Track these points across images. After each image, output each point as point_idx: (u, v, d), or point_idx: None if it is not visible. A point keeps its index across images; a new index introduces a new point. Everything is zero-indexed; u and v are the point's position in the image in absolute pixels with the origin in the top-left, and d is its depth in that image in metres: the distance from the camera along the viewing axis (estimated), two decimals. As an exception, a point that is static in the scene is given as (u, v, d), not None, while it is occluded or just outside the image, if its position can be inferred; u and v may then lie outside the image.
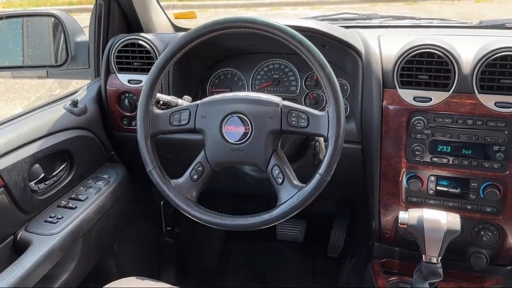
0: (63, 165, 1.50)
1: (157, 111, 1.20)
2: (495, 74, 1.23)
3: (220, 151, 1.16)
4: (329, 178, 1.10)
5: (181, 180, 1.19)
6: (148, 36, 1.60)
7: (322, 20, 1.76)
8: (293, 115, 1.13)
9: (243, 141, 1.14)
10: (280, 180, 1.14)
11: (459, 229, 1.19)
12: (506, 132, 1.26)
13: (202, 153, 1.18)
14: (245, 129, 1.14)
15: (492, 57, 1.23)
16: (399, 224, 1.25)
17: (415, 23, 1.75)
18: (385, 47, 1.39)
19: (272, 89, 1.62)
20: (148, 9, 1.75)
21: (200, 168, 1.18)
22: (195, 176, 1.18)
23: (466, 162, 1.31)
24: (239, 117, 1.15)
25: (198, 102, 1.20)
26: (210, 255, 2.25)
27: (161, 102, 1.31)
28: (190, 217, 1.18)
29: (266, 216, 1.13)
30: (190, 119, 1.18)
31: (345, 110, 1.51)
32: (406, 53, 1.30)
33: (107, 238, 1.61)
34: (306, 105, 1.57)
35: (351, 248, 2.03)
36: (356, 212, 2.09)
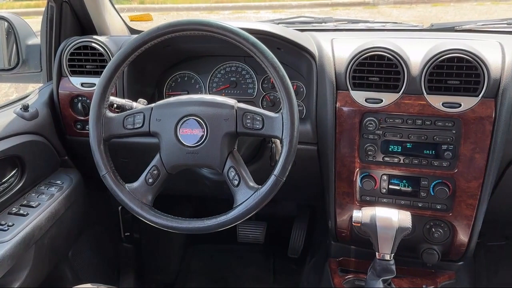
0: (14, 171, 1.46)
1: (110, 114, 1.19)
2: (443, 75, 1.27)
3: (176, 154, 1.16)
4: (284, 179, 1.12)
5: (135, 184, 1.18)
6: (101, 38, 1.58)
7: (278, 23, 1.77)
8: (248, 117, 1.14)
9: (199, 143, 1.15)
10: (236, 182, 1.14)
11: (410, 226, 1.22)
12: (454, 132, 1.30)
13: (157, 156, 1.18)
14: (200, 131, 1.14)
15: (439, 59, 1.27)
16: (353, 223, 1.27)
17: (368, 26, 1.79)
18: (338, 50, 1.41)
19: (229, 91, 1.63)
20: (101, 12, 1.72)
21: (155, 172, 1.17)
22: (150, 180, 1.18)
23: (416, 161, 1.35)
24: (194, 120, 1.15)
25: (153, 105, 1.19)
26: (170, 259, 2.23)
27: (115, 105, 1.30)
28: (146, 221, 1.17)
29: (222, 218, 1.13)
30: (145, 122, 1.17)
31: (301, 112, 1.54)
32: (358, 56, 1.32)
33: (61, 245, 1.57)
34: (263, 107, 1.58)
35: (311, 248, 2.06)
36: (316, 213, 2.12)
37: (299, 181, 1.58)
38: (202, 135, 1.14)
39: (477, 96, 1.26)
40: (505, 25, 1.65)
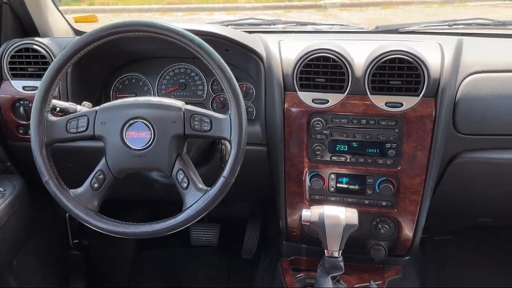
0: None
1: (53, 118, 1.16)
2: (385, 76, 1.31)
3: (122, 158, 1.14)
4: (233, 180, 1.12)
5: (80, 189, 1.16)
6: (44, 40, 1.53)
7: (228, 25, 1.78)
8: (196, 119, 1.13)
9: (146, 146, 1.13)
10: (185, 185, 1.14)
11: (357, 223, 1.25)
12: (397, 130, 1.34)
13: (103, 160, 1.16)
14: (148, 134, 1.13)
15: (381, 60, 1.30)
16: (302, 222, 1.29)
17: (316, 28, 1.82)
18: (285, 52, 1.43)
19: (178, 93, 1.61)
20: (43, 13, 1.67)
21: (101, 176, 1.15)
22: (95, 185, 1.15)
23: (362, 160, 1.39)
24: (141, 123, 1.13)
25: (97, 107, 1.17)
26: (122, 265, 2.19)
27: (58, 108, 1.26)
28: (92, 227, 1.14)
29: (171, 221, 1.13)
30: (89, 125, 1.15)
31: (251, 113, 1.55)
32: (304, 57, 1.35)
33: (5, 253, 1.51)
34: (213, 109, 1.58)
35: (265, 248, 2.07)
36: (269, 213, 2.14)
37: (250, 182, 1.58)
38: (150, 138, 1.13)
39: (418, 95, 1.30)
40: (446, 27, 1.72)
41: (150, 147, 1.13)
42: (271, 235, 2.04)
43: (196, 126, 1.13)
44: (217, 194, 1.11)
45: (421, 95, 1.30)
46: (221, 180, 1.11)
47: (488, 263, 2.07)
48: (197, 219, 1.13)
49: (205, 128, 1.13)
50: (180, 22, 1.46)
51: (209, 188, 1.13)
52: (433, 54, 1.35)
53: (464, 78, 1.35)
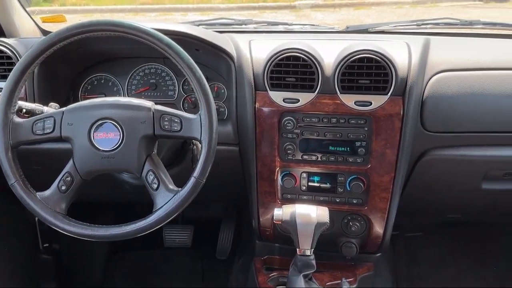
0: None
1: (18, 120, 1.14)
2: (354, 75, 1.32)
3: (90, 159, 1.13)
4: (204, 180, 1.12)
5: (47, 192, 1.14)
6: (9, 41, 1.49)
7: (199, 25, 1.77)
8: (166, 119, 1.13)
9: (114, 148, 1.12)
10: (155, 186, 1.13)
11: (328, 221, 1.26)
12: (366, 129, 1.36)
13: (71, 162, 1.14)
14: (116, 135, 1.12)
15: (350, 60, 1.32)
16: (274, 221, 1.30)
17: (288, 28, 1.83)
18: (255, 51, 1.43)
19: (149, 94, 1.60)
20: (9, 13, 1.63)
21: (68, 179, 1.14)
22: (63, 187, 1.14)
23: (333, 158, 1.40)
24: (110, 123, 1.12)
25: (64, 108, 1.15)
26: (94, 269, 2.15)
27: (24, 110, 1.24)
28: (60, 230, 1.13)
29: (141, 223, 1.12)
30: (55, 127, 1.13)
31: (223, 113, 1.54)
32: (274, 57, 1.35)
33: None
34: (184, 110, 1.57)
35: (239, 248, 2.07)
36: (243, 213, 2.14)
37: (223, 182, 1.58)
38: (118, 139, 1.12)
39: (386, 94, 1.32)
40: (415, 27, 1.75)
41: (119, 148, 1.12)
42: (245, 235, 2.04)
43: (166, 127, 1.12)
44: (188, 195, 1.11)
45: (389, 93, 1.32)
46: (191, 181, 1.11)
47: (459, 258, 2.12)
48: (168, 220, 1.12)
49: (175, 128, 1.13)
50: (151, 22, 1.45)
51: (179, 188, 1.13)
52: (400, 53, 1.37)
53: (431, 77, 1.37)
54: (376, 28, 1.75)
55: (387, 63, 1.30)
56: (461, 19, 1.77)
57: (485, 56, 1.45)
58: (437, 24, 1.76)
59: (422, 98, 1.36)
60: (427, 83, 1.37)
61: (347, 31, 1.80)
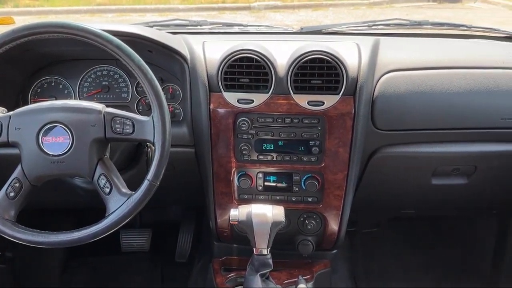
0: None
1: None
2: (306, 75, 1.34)
3: (39, 164, 1.11)
4: (158, 183, 1.11)
5: None
6: None
7: (153, 26, 1.76)
8: (117, 121, 1.12)
9: (64, 152, 1.10)
10: (107, 190, 1.12)
11: (284, 220, 1.28)
12: (319, 128, 1.38)
13: (19, 167, 1.11)
14: (66, 139, 1.10)
15: (302, 60, 1.33)
16: (230, 222, 1.30)
17: (242, 29, 1.83)
18: (209, 52, 1.43)
19: (102, 96, 1.57)
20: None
21: (17, 185, 1.11)
22: (11, 194, 1.11)
23: (288, 158, 1.42)
24: (59, 127, 1.10)
25: (11, 113, 1.13)
26: (50, 276, 2.09)
27: None
28: (9, 238, 1.10)
29: (93, 228, 1.10)
30: (2, 132, 1.11)
31: (179, 115, 1.53)
32: (228, 58, 1.35)
33: None
34: (139, 112, 1.55)
35: (199, 250, 2.06)
36: (202, 215, 2.13)
37: (180, 184, 1.58)
38: (68, 143, 1.10)
39: (338, 94, 1.35)
40: (366, 27, 1.79)
41: (69, 152, 1.10)
42: (205, 237, 2.04)
43: (118, 129, 1.11)
44: (142, 198, 1.10)
45: (340, 93, 1.35)
46: (145, 184, 1.10)
47: (413, 252, 2.19)
48: (121, 224, 1.11)
49: (127, 131, 1.12)
50: (102, 23, 1.43)
51: (133, 192, 1.11)
52: (350, 54, 1.40)
53: (381, 77, 1.41)
54: (330, 29, 1.79)
55: (337, 64, 1.33)
56: (410, 19, 1.83)
57: (433, 55, 1.50)
58: (388, 25, 1.81)
59: (373, 97, 1.39)
60: (377, 82, 1.40)
61: (302, 32, 1.82)
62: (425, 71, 1.44)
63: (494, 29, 1.80)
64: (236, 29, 1.84)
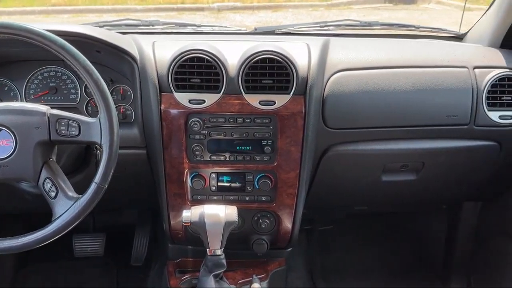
0: None
1: None
2: (257, 75, 1.35)
3: None
4: (107, 185, 1.09)
5: None
6: None
7: (103, 26, 1.73)
8: (63, 123, 1.09)
9: (8, 156, 1.08)
10: (53, 194, 1.10)
11: (237, 220, 1.28)
12: (271, 128, 1.39)
13: None
14: (9, 142, 1.08)
15: (252, 60, 1.34)
16: (183, 223, 1.29)
17: (196, 29, 1.83)
18: (159, 53, 1.42)
19: (49, 98, 1.52)
20: None
21: None
22: None
23: (241, 158, 1.42)
24: (2, 130, 1.08)
25: None
26: (1, 283, 2.02)
27: None
28: None
29: (39, 234, 1.08)
30: None
31: (130, 116, 1.51)
32: (178, 58, 1.34)
33: None
34: (88, 113, 1.52)
35: (155, 253, 2.04)
36: (158, 217, 2.11)
37: (133, 186, 1.55)
38: (12, 146, 1.08)
39: (289, 93, 1.36)
40: (318, 28, 1.82)
41: (12, 156, 1.08)
42: (161, 239, 2.01)
43: (63, 132, 1.09)
44: (89, 202, 1.08)
45: (291, 93, 1.36)
46: (92, 187, 1.08)
47: (368, 247, 2.24)
48: (69, 228, 1.09)
49: (73, 133, 1.10)
50: (48, 24, 1.39)
51: (80, 195, 1.09)
52: (301, 54, 1.41)
53: (331, 76, 1.43)
54: (283, 30, 1.81)
55: (287, 64, 1.34)
56: (361, 20, 1.87)
57: (381, 55, 1.54)
58: (339, 25, 1.85)
59: (323, 96, 1.41)
60: (327, 82, 1.42)
61: (255, 32, 1.83)
62: (373, 70, 1.47)
63: (441, 29, 1.87)
64: (189, 29, 1.83)
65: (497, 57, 1.56)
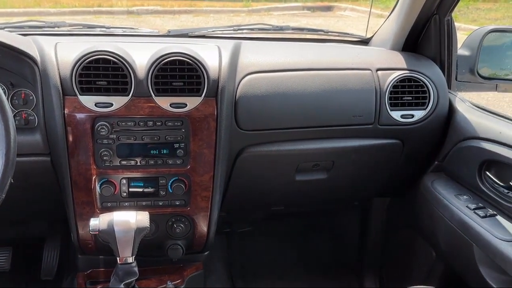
0: None
1: None
2: (168, 77, 1.33)
3: None
4: (4, 195, 1.01)
5: None
6: None
7: (4, 27, 1.63)
8: None
9: None
10: None
11: (148, 226, 1.25)
12: (183, 130, 1.38)
13: None
14: None
15: (161, 62, 1.32)
16: (90, 232, 1.24)
17: (105, 31, 1.76)
18: (61, 54, 1.35)
19: None
20: None
21: None
22: None
23: (153, 162, 1.39)
24: None
25: None
26: None
27: None
28: None
29: None
30: None
31: (33, 122, 1.42)
32: (81, 60, 1.29)
33: None
34: None
35: (68, 265, 1.94)
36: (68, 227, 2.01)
37: (38, 196, 1.47)
38: None
39: (200, 96, 1.35)
40: (232, 31, 1.83)
41: None
42: (72, 250, 1.92)
43: None
44: None
45: (202, 95, 1.35)
46: None
47: (286, 247, 2.27)
48: None
49: None
50: None
51: None
52: (211, 56, 1.41)
53: (242, 78, 1.44)
54: (196, 33, 1.79)
55: (198, 66, 1.33)
56: (273, 24, 1.91)
57: (291, 58, 1.57)
58: (252, 29, 1.87)
59: (235, 98, 1.42)
60: (239, 84, 1.43)
61: (169, 35, 1.81)
62: (283, 73, 1.50)
63: (348, 34, 1.95)
64: (97, 31, 1.77)
65: (398, 59, 1.65)
